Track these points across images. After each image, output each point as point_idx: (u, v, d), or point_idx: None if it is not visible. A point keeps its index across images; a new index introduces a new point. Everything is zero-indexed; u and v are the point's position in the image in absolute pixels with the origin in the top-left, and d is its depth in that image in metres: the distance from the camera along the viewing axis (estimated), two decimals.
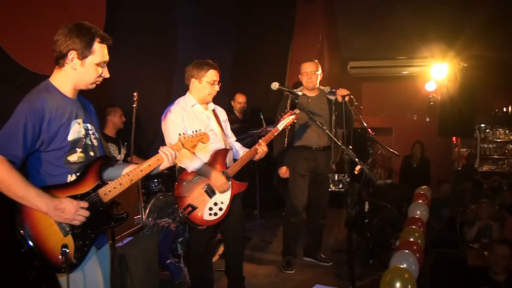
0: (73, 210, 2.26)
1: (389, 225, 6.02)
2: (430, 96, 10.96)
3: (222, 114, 4.24)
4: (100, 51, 2.43)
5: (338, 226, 7.02)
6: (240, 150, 4.21)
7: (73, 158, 2.39)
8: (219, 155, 3.91)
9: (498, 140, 12.03)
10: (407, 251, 4.37)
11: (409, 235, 4.90)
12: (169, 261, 4.72)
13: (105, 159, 2.55)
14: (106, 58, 2.48)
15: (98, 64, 2.44)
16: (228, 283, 4.41)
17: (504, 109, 11.66)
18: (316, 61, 5.20)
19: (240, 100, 7.37)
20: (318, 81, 5.16)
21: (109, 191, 2.43)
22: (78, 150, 2.42)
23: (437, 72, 10.14)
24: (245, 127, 6.73)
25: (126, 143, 5.48)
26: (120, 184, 2.47)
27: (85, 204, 2.32)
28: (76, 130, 2.41)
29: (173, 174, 4.20)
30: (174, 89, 6.02)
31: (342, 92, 4.58)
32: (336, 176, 5.70)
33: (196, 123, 3.88)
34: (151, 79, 5.88)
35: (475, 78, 9.84)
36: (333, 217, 7.29)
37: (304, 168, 5.17)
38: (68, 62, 2.38)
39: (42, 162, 2.34)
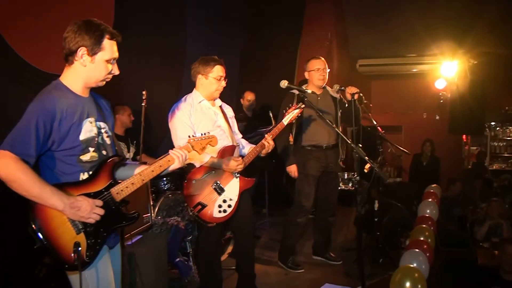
0: (89, 208, 2.26)
1: (399, 224, 5.98)
2: (440, 94, 10.92)
3: (228, 110, 4.24)
4: (109, 48, 2.42)
5: (348, 224, 6.99)
6: (247, 147, 4.21)
7: (86, 157, 2.39)
8: (227, 152, 3.91)
9: (509, 138, 11.93)
10: (417, 250, 4.35)
11: (419, 234, 4.87)
12: (178, 259, 4.72)
13: (118, 158, 2.54)
14: (116, 54, 2.47)
15: (108, 61, 2.43)
16: (238, 280, 4.40)
17: None
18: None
19: (249, 98, 7.37)
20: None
21: (122, 190, 2.43)
22: (91, 149, 2.41)
23: (447, 70, 10.09)
24: (254, 125, 6.72)
25: (135, 142, 5.48)
26: (132, 183, 2.47)
27: (100, 202, 2.33)
28: (88, 129, 2.41)
29: (182, 173, 4.19)
30: (183, 88, 6.01)
31: (351, 90, 4.57)
32: (345, 175, 5.70)
33: (203, 119, 3.89)
34: (160, 78, 5.87)
35: (485, 75, 9.76)
36: (342, 215, 7.26)
37: (316, 168, 5.13)
38: (77, 59, 2.37)
39: (54, 160, 2.33)
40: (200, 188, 3.78)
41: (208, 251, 4.12)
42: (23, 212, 2.23)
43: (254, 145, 4.11)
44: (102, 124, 2.54)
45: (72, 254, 2.21)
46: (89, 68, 2.40)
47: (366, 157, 3.69)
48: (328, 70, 5.13)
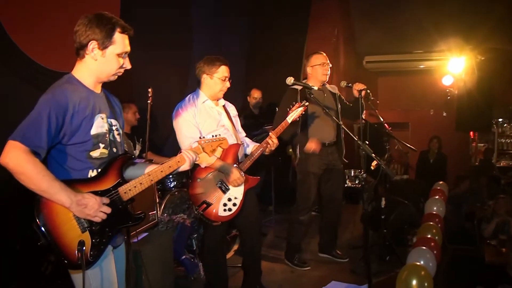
0: (96, 206, 2.24)
1: (406, 221, 5.96)
2: (447, 90, 10.86)
3: (232, 109, 4.22)
4: (121, 41, 2.39)
5: (354, 222, 6.97)
6: (251, 145, 4.20)
7: (95, 153, 2.36)
8: (231, 150, 3.89)
9: None
10: (424, 247, 4.33)
11: (427, 232, 4.85)
12: (184, 257, 4.73)
13: (127, 157, 2.51)
14: (127, 48, 2.44)
15: (119, 55, 2.40)
16: (245, 277, 4.40)
17: None
18: None
19: (255, 96, 7.36)
20: None
21: (129, 189, 2.41)
22: (101, 145, 2.38)
23: (454, 66, 10.04)
24: (260, 123, 6.71)
25: (141, 139, 5.49)
26: (141, 183, 2.45)
27: (107, 200, 2.30)
28: (100, 124, 2.37)
29: (188, 171, 4.20)
30: (189, 85, 6.02)
31: (358, 86, 4.55)
32: (352, 172, 5.68)
33: (207, 119, 3.88)
34: (166, 76, 5.88)
35: (492, 71, 9.71)
36: (349, 213, 7.25)
37: (318, 165, 5.10)
38: (88, 52, 2.35)
39: (64, 155, 2.30)
40: (205, 187, 3.78)
41: (214, 249, 4.12)
42: (30, 208, 2.20)
43: (258, 144, 4.10)
44: (113, 121, 2.52)
45: (76, 253, 2.19)
46: (100, 62, 2.37)
47: (373, 154, 3.67)
48: (330, 66, 5.12)
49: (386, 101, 10.83)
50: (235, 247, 5.44)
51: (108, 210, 2.29)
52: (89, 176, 2.36)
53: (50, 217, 2.19)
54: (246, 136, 4.31)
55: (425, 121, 11.25)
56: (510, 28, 9.03)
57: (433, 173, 8.83)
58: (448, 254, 5.41)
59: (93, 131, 2.34)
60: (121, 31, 2.38)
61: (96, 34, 2.32)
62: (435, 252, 4.37)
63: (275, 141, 4.00)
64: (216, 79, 3.88)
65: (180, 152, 2.64)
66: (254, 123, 6.89)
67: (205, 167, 3.79)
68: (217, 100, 4.04)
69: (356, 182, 5.30)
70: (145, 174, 2.48)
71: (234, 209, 3.83)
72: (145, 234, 4.23)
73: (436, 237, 4.76)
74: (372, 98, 4.65)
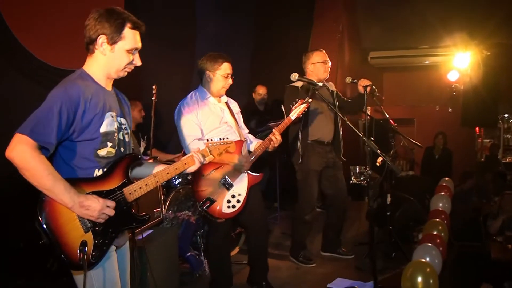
0: (99, 208, 2.20)
1: (412, 217, 5.94)
2: (453, 86, 10.78)
3: (234, 106, 4.22)
4: (131, 37, 2.36)
5: (360, 219, 6.96)
6: (254, 142, 4.20)
7: (103, 152, 2.32)
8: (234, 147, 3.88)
9: None
10: (430, 244, 4.31)
11: (433, 228, 4.83)
12: (189, 253, 4.73)
13: (134, 157, 2.48)
14: (138, 44, 2.41)
15: (129, 51, 2.37)
16: (251, 274, 4.41)
17: None
18: None
19: (260, 92, 7.35)
20: None
21: (135, 190, 2.38)
22: (109, 144, 2.34)
23: (460, 61, 9.96)
24: (266, 119, 6.69)
25: (145, 136, 5.48)
26: (146, 184, 2.43)
27: (112, 203, 2.27)
28: (109, 122, 2.34)
29: None
30: (193, 82, 6.01)
31: (363, 82, 4.53)
32: (357, 168, 5.66)
33: (210, 116, 3.87)
34: (170, 73, 5.87)
35: (498, 67, 9.63)
36: (354, 209, 7.23)
37: (319, 163, 5.09)
38: (97, 47, 2.32)
39: (71, 153, 2.26)
40: (209, 184, 3.77)
41: (218, 246, 4.13)
42: (34, 205, 2.16)
43: (262, 140, 4.09)
44: (122, 120, 2.49)
45: (78, 253, 2.15)
46: (109, 57, 2.35)
47: (378, 151, 3.65)
48: (330, 64, 5.11)
49: (392, 97, 10.77)
50: (240, 244, 5.43)
51: (111, 212, 2.26)
52: (94, 175, 2.32)
53: (53, 216, 2.16)
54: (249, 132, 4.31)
55: (430, 117, 11.17)
56: None
57: (438, 169, 8.80)
58: (454, 250, 5.40)
59: (102, 129, 2.31)
60: (132, 26, 2.36)
61: (105, 28, 2.30)
62: (441, 249, 4.35)
63: (279, 138, 4.00)
64: (218, 76, 3.87)
65: (187, 154, 2.63)
66: (260, 119, 6.88)
67: (209, 163, 3.78)
68: (220, 97, 4.03)
69: (362, 178, 5.25)
70: (151, 175, 2.46)
71: (238, 206, 3.82)
72: (150, 231, 4.23)
73: (442, 234, 4.74)
74: (377, 94, 4.63)
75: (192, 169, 2.61)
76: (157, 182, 2.47)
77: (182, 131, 3.83)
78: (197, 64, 4.01)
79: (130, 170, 2.44)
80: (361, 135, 3.82)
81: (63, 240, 2.16)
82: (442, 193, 5.86)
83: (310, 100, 4.23)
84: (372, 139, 3.75)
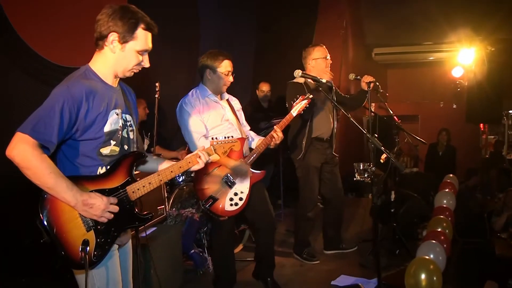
0: (102, 207, 2.17)
1: (416, 214, 5.92)
2: (457, 82, 10.74)
3: (235, 103, 4.21)
4: (143, 38, 2.32)
5: (364, 215, 6.94)
6: (256, 139, 4.20)
7: (106, 150, 2.29)
8: None
9: None
10: (434, 241, 4.30)
11: (437, 225, 4.81)
12: (193, 251, 4.73)
13: (138, 155, 2.43)
14: (149, 46, 2.37)
15: (139, 52, 2.33)
16: (257, 269, 4.42)
17: None
18: None
19: (263, 89, 7.33)
20: None
21: (138, 189, 2.35)
22: (113, 142, 2.31)
23: (464, 57, 9.93)
24: (269, 116, 6.69)
25: (149, 133, 5.49)
26: (150, 183, 2.39)
27: (114, 200, 2.24)
28: (114, 121, 2.30)
29: None
30: (196, 79, 6.00)
31: (367, 79, 4.53)
32: (361, 165, 5.65)
33: (211, 114, 3.87)
34: (174, 70, 5.86)
35: (503, 62, 9.60)
36: (358, 206, 7.22)
37: (319, 159, 5.10)
38: (107, 44, 2.28)
39: (74, 151, 2.23)
40: (211, 182, 3.77)
41: (221, 244, 4.13)
42: (37, 203, 2.14)
43: (264, 137, 4.08)
44: (128, 117, 2.45)
45: (80, 252, 2.12)
46: (118, 56, 2.31)
47: (382, 147, 3.63)
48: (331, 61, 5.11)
49: (396, 93, 10.73)
50: (244, 241, 5.43)
51: (115, 209, 2.23)
52: (98, 173, 2.29)
53: (55, 214, 2.13)
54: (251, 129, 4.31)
55: (435, 113, 11.15)
56: None
57: (442, 166, 8.79)
58: (458, 247, 5.38)
59: (106, 128, 2.27)
60: (145, 27, 2.32)
61: (118, 26, 2.25)
62: (445, 246, 4.34)
63: (280, 134, 3.99)
64: (219, 74, 3.87)
65: (191, 153, 2.62)
66: (263, 116, 6.87)
67: (211, 162, 3.78)
68: (221, 94, 4.02)
69: (365, 175, 5.24)
70: (155, 174, 2.43)
71: (240, 203, 3.82)
72: (154, 228, 4.24)
73: (446, 231, 4.73)
74: (381, 91, 4.61)
75: (197, 167, 2.58)
76: (161, 180, 2.43)
77: (186, 128, 3.82)
78: (198, 61, 4.01)
79: (133, 168, 2.41)
80: (365, 132, 3.80)
81: (64, 239, 2.14)
82: (447, 190, 5.84)
83: (311, 96, 4.21)
84: (376, 136, 3.73)
